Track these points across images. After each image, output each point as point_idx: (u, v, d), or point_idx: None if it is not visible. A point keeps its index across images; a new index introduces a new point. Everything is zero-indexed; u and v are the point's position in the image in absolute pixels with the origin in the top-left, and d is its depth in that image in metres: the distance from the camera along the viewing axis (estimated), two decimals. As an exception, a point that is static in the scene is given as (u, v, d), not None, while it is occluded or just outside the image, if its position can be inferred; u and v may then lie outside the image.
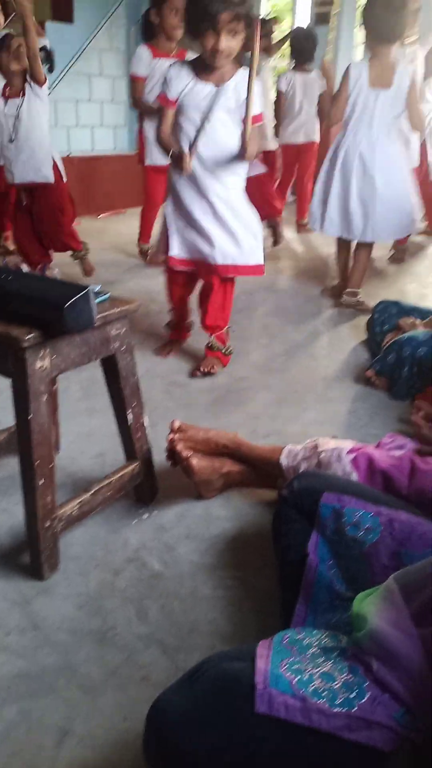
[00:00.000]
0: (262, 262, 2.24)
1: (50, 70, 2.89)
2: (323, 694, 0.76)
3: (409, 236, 3.58)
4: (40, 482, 1.18)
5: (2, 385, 2.08)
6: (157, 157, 3.27)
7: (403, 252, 3.92)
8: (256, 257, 2.22)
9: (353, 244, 3.08)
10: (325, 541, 1.10)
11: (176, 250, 2.23)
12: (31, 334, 1.09)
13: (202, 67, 2.01)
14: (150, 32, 3.22)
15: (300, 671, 0.79)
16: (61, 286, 1.16)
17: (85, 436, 1.80)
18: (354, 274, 3.07)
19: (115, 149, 5.82)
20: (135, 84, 3.25)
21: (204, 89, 2.02)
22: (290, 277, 3.61)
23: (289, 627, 1.04)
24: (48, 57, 2.82)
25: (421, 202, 3.02)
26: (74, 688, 1.00)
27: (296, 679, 0.78)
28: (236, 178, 2.16)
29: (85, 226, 4.95)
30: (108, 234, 4.57)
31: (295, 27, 4.61)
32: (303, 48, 4.17)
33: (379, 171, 2.82)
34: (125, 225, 4.73)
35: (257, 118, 2.03)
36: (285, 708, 0.74)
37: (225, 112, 2.03)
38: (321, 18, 4.72)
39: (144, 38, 3.28)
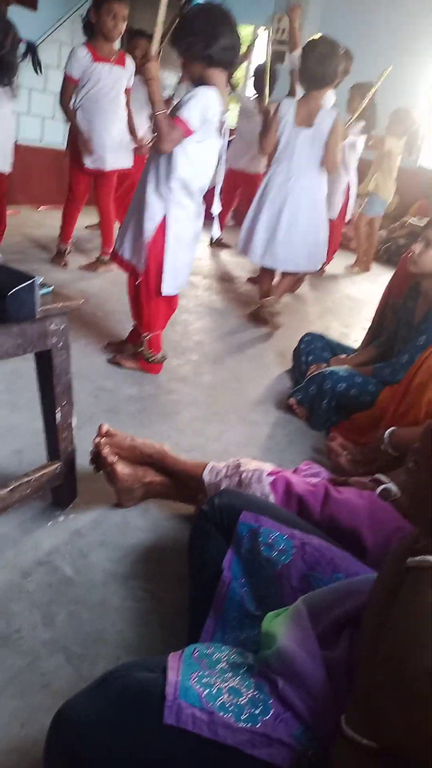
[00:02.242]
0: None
1: (38, 70, 2.77)
2: (230, 709, 0.78)
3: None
4: (-43, 473, 1.12)
5: None
6: (89, 160, 3.31)
7: (299, 282, 4.04)
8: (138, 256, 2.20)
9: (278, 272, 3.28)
10: (239, 560, 1.12)
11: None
12: (-33, 318, 1.05)
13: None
14: (90, 31, 3.19)
15: (209, 685, 0.81)
16: (5, 273, 1.13)
17: (4, 430, 1.73)
18: (276, 288, 3.30)
19: (63, 143, 5.72)
20: (67, 84, 3.19)
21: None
22: (227, 298, 3.68)
23: (197, 641, 1.05)
24: (34, 55, 2.69)
25: (326, 240, 3.28)
26: (-31, 692, 0.96)
27: (205, 693, 0.79)
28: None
29: (24, 216, 4.81)
30: (47, 227, 4.46)
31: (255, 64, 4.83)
32: (258, 84, 4.40)
33: (293, 205, 3.06)
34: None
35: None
36: (192, 721, 0.75)
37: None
38: (277, 56, 4.98)
39: (85, 35, 3.24)
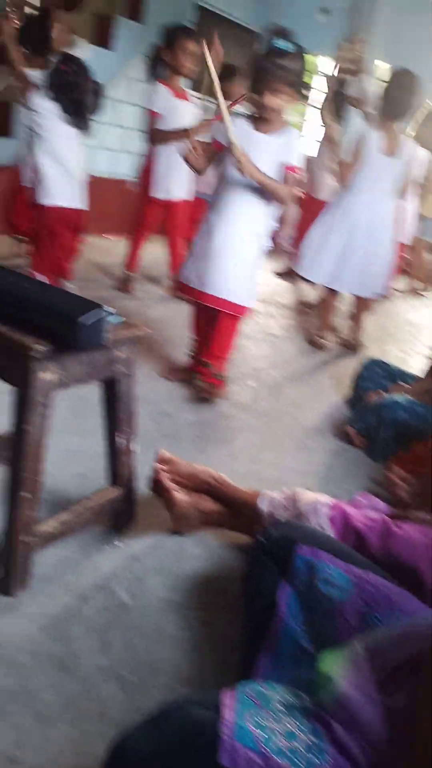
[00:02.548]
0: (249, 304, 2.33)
1: (100, 109, 2.91)
2: (287, 754, 0.76)
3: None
4: (25, 495, 1.17)
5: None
6: (160, 190, 3.37)
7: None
8: (246, 297, 2.30)
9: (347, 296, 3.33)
10: (295, 593, 1.10)
11: (192, 275, 2.29)
12: (42, 346, 1.10)
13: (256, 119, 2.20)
14: (160, 69, 3.29)
15: (264, 727, 0.79)
16: (76, 301, 1.17)
17: (68, 454, 1.79)
18: (355, 319, 3.38)
19: (130, 174, 5.94)
20: (152, 119, 3.29)
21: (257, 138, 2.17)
22: (285, 324, 3.68)
23: (250, 676, 1.04)
24: (96, 94, 2.82)
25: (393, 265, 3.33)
26: (28, 715, 0.98)
27: (260, 735, 0.77)
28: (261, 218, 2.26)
29: (91, 244, 5.01)
30: (113, 255, 4.62)
31: None
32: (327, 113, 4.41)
33: (371, 231, 3.10)
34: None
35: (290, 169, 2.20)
36: (247, 763, 0.74)
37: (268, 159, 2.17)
38: (342, 85, 5.01)
39: (154, 74, 3.34)
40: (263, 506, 1.42)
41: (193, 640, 1.21)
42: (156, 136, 3.29)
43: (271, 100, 2.08)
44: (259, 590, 1.14)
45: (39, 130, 2.76)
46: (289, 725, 0.81)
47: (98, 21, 4.82)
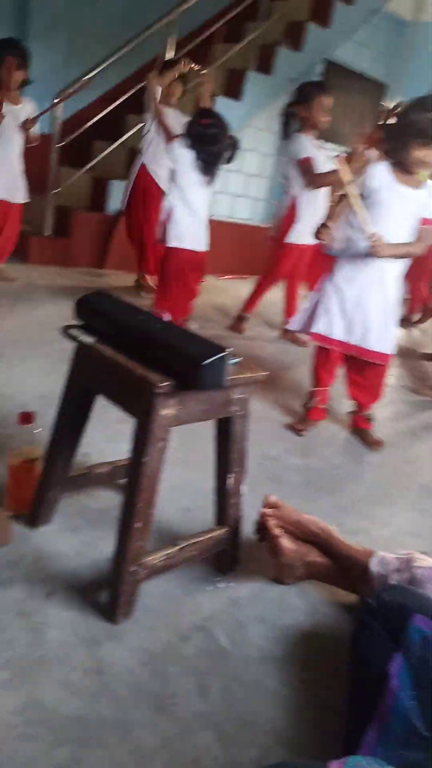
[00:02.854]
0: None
1: (230, 160, 3.04)
2: None
3: None
4: (138, 525, 1.19)
5: (111, 417, 2.16)
6: (301, 236, 3.40)
7: None
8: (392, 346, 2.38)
9: None
10: (409, 667, 1.02)
11: (335, 328, 2.33)
12: (167, 382, 1.13)
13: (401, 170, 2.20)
14: (292, 125, 3.39)
15: None
16: (201, 343, 1.21)
17: (175, 487, 1.81)
18: None
19: (252, 219, 6.12)
20: (308, 164, 3.36)
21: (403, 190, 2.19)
22: (402, 374, 3.55)
23: (354, 749, 0.97)
24: (234, 148, 2.93)
25: None
26: (125, 750, 0.97)
27: None
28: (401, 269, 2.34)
29: (208, 284, 5.19)
30: (228, 296, 4.75)
31: None
32: None
33: None
34: (246, 290, 4.91)
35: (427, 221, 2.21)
36: None
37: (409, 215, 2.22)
38: None
39: (287, 128, 3.42)
40: (374, 567, 1.34)
41: (292, 698, 1.15)
42: (317, 179, 3.35)
43: (424, 153, 2.06)
44: (368, 658, 1.07)
45: (175, 177, 2.94)
46: None
47: (231, 74, 5.09)
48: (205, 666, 1.18)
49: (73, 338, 1.32)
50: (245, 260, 5.55)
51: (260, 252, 5.48)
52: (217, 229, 5.35)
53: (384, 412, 2.88)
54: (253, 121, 5.66)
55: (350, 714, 1.07)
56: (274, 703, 1.13)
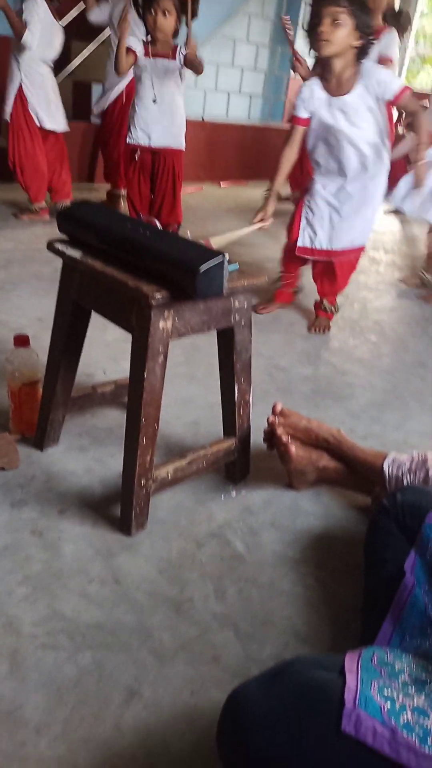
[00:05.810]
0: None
1: (193, 15, 2.81)
2: (415, 730, 0.70)
3: None
4: (143, 441, 1.17)
5: (110, 337, 2.11)
6: None
7: None
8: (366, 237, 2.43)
9: None
10: (423, 564, 1.02)
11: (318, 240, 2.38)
12: (161, 294, 1.07)
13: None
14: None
15: (391, 699, 0.74)
16: (196, 250, 1.13)
17: (181, 401, 1.80)
18: None
19: (249, 119, 5.73)
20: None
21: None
22: (412, 275, 3.43)
23: (371, 643, 0.99)
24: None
25: None
26: (146, 652, 1.00)
27: (387, 707, 0.72)
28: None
29: (207, 192, 4.94)
30: (229, 203, 4.54)
31: None
32: None
33: None
34: (247, 196, 4.67)
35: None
36: (373, 734, 0.69)
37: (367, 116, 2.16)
38: None
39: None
40: (388, 468, 1.33)
41: (308, 598, 1.17)
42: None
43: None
44: (384, 557, 1.07)
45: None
46: (418, 701, 0.75)
47: None
48: (220, 571, 1.20)
49: (59, 253, 1.25)
50: (243, 164, 5.25)
51: (259, 152, 5.18)
52: (212, 131, 5.04)
53: (393, 316, 2.81)
54: (246, 7, 5.17)
55: (365, 610, 1.08)
56: (289, 602, 1.15)
